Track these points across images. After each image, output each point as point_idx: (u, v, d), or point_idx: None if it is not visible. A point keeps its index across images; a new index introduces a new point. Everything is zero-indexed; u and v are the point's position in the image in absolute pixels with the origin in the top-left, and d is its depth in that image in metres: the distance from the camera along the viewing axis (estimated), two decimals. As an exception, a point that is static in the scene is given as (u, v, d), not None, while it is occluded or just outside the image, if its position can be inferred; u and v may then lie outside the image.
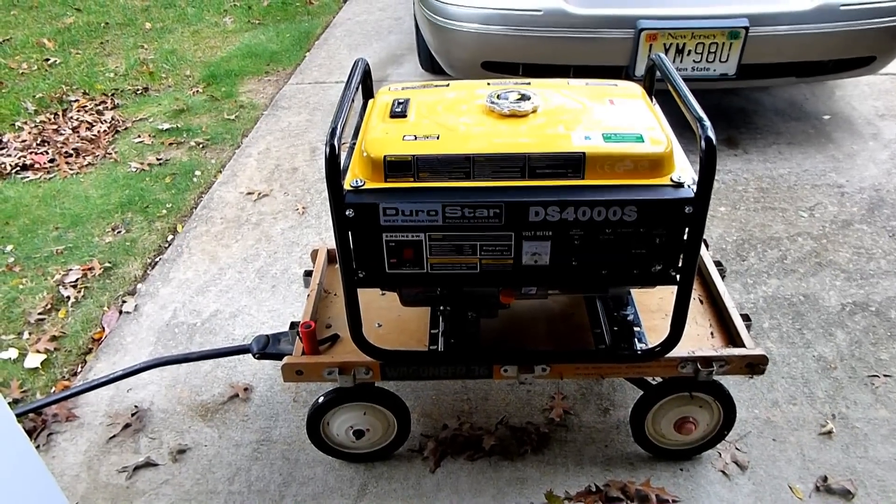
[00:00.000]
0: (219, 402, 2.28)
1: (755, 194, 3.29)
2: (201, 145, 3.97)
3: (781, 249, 2.90)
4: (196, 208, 3.37)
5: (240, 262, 2.95)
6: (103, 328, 2.61)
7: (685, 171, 1.52)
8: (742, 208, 3.18)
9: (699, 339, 1.88)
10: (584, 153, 1.48)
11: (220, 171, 3.69)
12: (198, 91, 4.70)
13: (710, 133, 1.39)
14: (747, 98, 4.26)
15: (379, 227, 1.50)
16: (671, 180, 1.49)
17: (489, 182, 1.50)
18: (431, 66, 4.50)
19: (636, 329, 1.86)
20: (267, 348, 1.99)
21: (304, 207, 3.29)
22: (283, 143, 3.96)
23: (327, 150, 1.41)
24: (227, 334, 2.55)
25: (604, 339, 1.87)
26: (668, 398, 1.89)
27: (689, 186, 1.48)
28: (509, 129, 1.58)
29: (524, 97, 1.65)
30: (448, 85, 1.82)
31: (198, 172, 3.68)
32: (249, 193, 3.45)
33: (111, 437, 2.17)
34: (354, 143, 1.66)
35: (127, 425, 2.21)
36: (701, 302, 2.02)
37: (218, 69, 4.98)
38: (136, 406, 2.27)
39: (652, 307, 1.97)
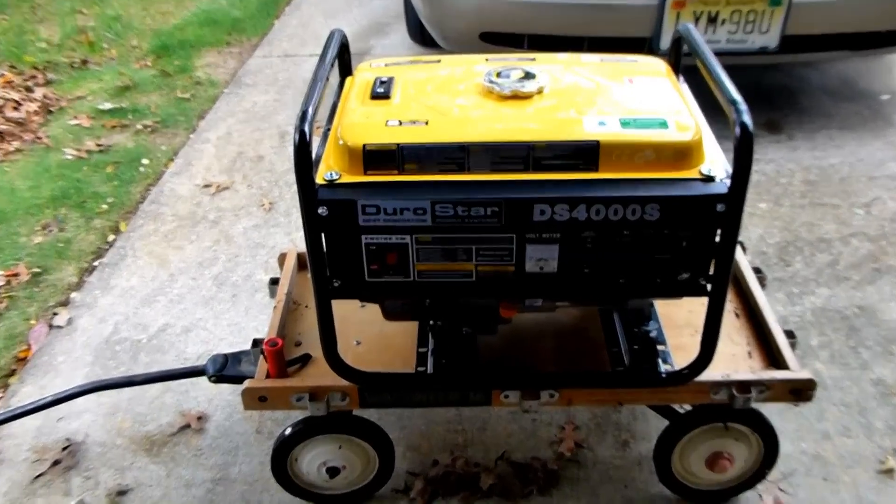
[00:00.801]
0: (167, 433, 2.27)
1: (801, 188, 3.30)
2: (150, 129, 3.96)
3: (832, 253, 2.91)
4: (143, 203, 3.36)
5: (194, 268, 2.95)
6: (30, 345, 2.60)
7: (717, 163, 1.53)
8: (786, 204, 3.19)
9: (735, 360, 1.88)
10: (598, 141, 1.48)
11: (172, 160, 3.69)
12: (146, 65, 4.70)
13: (747, 118, 1.39)
14: (792, 75, 4.28)
15: (357, 228, 1.51)
16: (700, 173, 1.49)
17: (487, 175, 1.50)
18: (422, 37, 4.50)
19: (660, 348, 1.86)
20: (225, 370, 1.98)
21: (270, 203, 3.29)
22: (247, 126, 3.96)
23: (296, 136, 1.41)
24: (179, 353, 2.54)
25: (622, 359, 1.87)
26: (699, 430, 1.89)
27: (721, 180, 1.48)
28: (511, 114, 1.58)
29: (528, 75, 1.65)
30: (440, 61, 1.82)
31: (145, 161, 3.68)
32: (206, 186, 3.45)
33: (37, 477, 2.16)
34: (329, 129, 1.66)
35: (56, 462, 2.19)
36: (737, 316, 2.02)
37: (170, 39, 4.99)
38: (67, 439, 2.26)
39: (679, 322, 1.97)
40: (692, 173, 1.50)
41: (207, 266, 2.95)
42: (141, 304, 2.77)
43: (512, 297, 1.70)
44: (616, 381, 1.82)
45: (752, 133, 1.39)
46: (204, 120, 4.05)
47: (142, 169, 3.62)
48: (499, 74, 1.66)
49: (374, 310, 1.86)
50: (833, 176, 3.39)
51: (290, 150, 1.42)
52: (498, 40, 3.47)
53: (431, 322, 1.85)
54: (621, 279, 1.59)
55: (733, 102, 1.44)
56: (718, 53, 1.63)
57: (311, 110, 1.43)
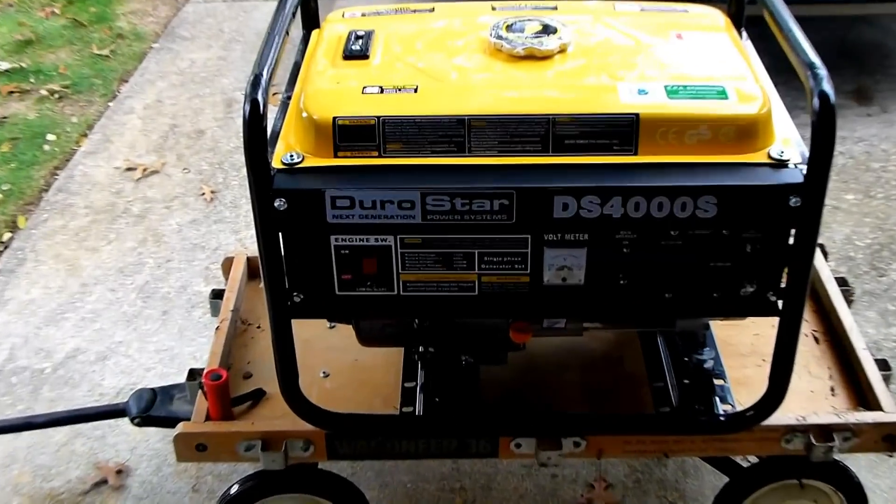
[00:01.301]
0: (77, 490, 2.27)
1: (900, 175, 3.31)
2: (57, 95, 3.96)
3: (939, 260, 2.92)
4: (47, 192, 3.36)
5: (113, 275, 2.94)
6: None
7: (790, 144, 1.53)
8: (879, 196, 3.19)
9: (813, 399, 1.88)
10: (637, 115, 1.49)
11: (86, 136, 3.69)
12: (53, 12, 4.69)
13: (827, 85, 1.39)
14: (886, 30, 4.28)
15: (325, 227, 1.51)
16: (769, 157, 1.50)
17: (493, 158, 1.50)
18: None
19: (717, 382, 1.86)
20: (152, 409, 1.98)
21: (212, 192, 3.29)
22: (183, 92, 3.95)
23: (247, 107, 1.41)
24: (93, 386, 2.54)
25: (668, 397, 1.87)
26: (767, 488, 1.88)
27: (795, 166, 1.49)
28: (525, 79, 1.58)
29: (548, 29, 1.65)
30: (433, 9, 1.82)
31: (51, 137, 3.67)
32: (130, 169, 3.45)
33: None
34: (290, 97, 1.66)
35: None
36: (816, 341, 2.02)
37: (83, -21, 4.99)
38: (-50, 497, 2.26)
39: (742, 349, 1.98)
40: (758, 157, 1.50)
41: (130, 274, 2.94)
42: (44, 323, 2.76)
43: (526, 315, 1.70)
44: (660, 426, 1.81)
45: (834, 105, 1.39)
46: (127, 84, 4.05)
47: (46, 147, 3.61)
48: (509, 28, 1.66)
49: (346, 332, 1.86)
50: (940, 159, 3.40)
51: (240, 123, 1.43)
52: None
53: (421, 349, 1.85)
54: (667, 293, 1.59)
55: (810, 66, 1.44)
56: (792, 1, 1.64)
57: (265, 74, 1.43)
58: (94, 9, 4.70)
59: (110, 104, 3.91)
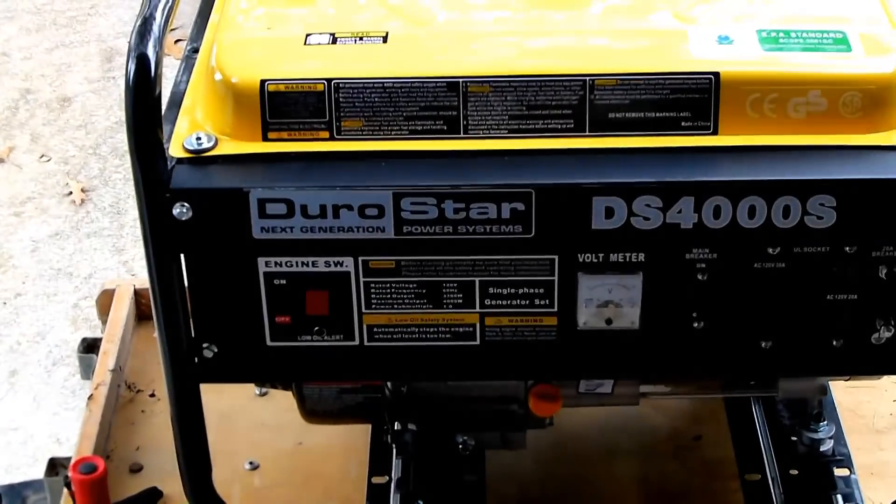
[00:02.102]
0: None
1: None
2: None
3: None
4: None
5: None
6: None
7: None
8: None
9: None
10: (716, 74, 1.49)
11: None
12: None
13: None
14: None
15: (250, 245, 1.51)
16: (917, 139, 1.51)
17: (502, 142, 1.51)
18: None
19: (839, 473, 1.87)
20: (-4, 518, 1.99)
21: (84, 190, 3.29)
22: (39, 40, 3.96)
23: (132, 67, 1.41)
24: None
25: (769, 495, 1.88)
26: None
27: (957, 152, 1.50)
28: (549, 20, 1.59)
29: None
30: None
31: None
32: (-41, 158, 3.46)
33: None
34: (197, 50, 1.67)
35: None
36: None
37: None
38: None
39: (878, 423, 1.99)
40: (897, 138, 1.52)
41: (-39, 314, 2.96)
42: None
43: (553, 375, 1.71)
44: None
45: None
46: (-45, 29, 4.08)
47: None
48: (528, -58, 1.67)
49: (284, 403, 1.87)
50: None
51: (122, 87, 1.41)
52: None
53: (397, 427, 1.86)
54: (765, 341, 1.59)
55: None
56: None
57: (158, 17, 1.43)
58: None
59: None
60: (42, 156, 3.46)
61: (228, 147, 1.50)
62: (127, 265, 3.05)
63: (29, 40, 3.98)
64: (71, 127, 3.57)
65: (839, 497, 1.84)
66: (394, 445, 1.90)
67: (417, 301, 1.56)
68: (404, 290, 1.55)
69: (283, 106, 1.49)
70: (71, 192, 3.30)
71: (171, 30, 1.47)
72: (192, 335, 1.58)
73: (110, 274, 3.01)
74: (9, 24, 4.06)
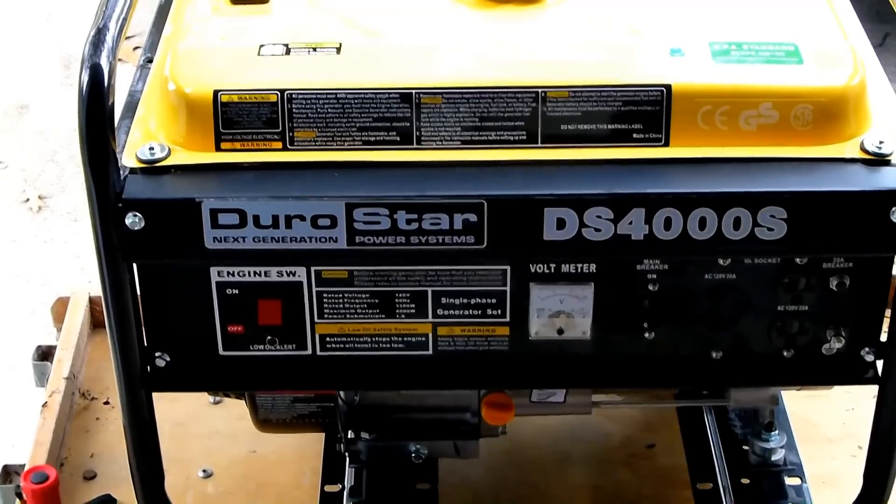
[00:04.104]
0: None
1: None
2: None
3: None
4: None
5: None
6: None
7: (893, 130, 1.54)
8: None
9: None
10: (668, 87, 1.50)
11: None
12: None
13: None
14: None
15: (203, 255, 1.51)
16: (863, 149, 1.51)
17: (455, 153, 1.51)
18: None
19: (790, 482, 1.89)
20: (-52, 527, 1.98)
21: (41, 197, 3.29)
22: (-3, 47, 3.96)
23: (85, 77, 1.40)
24: None
25: (719, 501, 1.89)
26: None
27: (902, 161, 1.51)
28: (503, 32, 1.59)
29: (538, -44, 1.67)
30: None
31: None
32: (-84, 164, 3.44)
33: None
34: (150, 60, 1.66)
35: None
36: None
37: None
38: None
39: (829, 432, 2.00)
40: (848, 150, 1.52)
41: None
42: None
43: (505, 384, 1.71)
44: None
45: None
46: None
47: None
48: (481, -45, 1.67)
49: (238, 411, 1.86)
50: None
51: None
52: None
53: (350, 435, 1.86)
54: (715, 352, 1.60)
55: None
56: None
57: (112, 26, 1.42)
58: None
59: None
60: (0, 162, 3.45)
61: (181, 157, 1.50)
62: (84, 271, 3.04)
63: (-13, 47, 3.96)
64: (28, 133, 3.56)
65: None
66: (347, 454, 1.91)
67: (370, 311, 1.56)
68: (357, 300, 1.55)
69: (235, 116, 1.49)
70: (28, 199, 3.29)
71: (129, 37, 1.47)
72: (145, 344, 1.57)
73: (67, 281, 3.00)
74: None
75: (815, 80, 1.52)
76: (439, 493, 1.90)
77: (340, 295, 1.55)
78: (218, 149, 1.51)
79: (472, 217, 1.47)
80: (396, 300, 1.56)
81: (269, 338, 1.58)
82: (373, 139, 1.50)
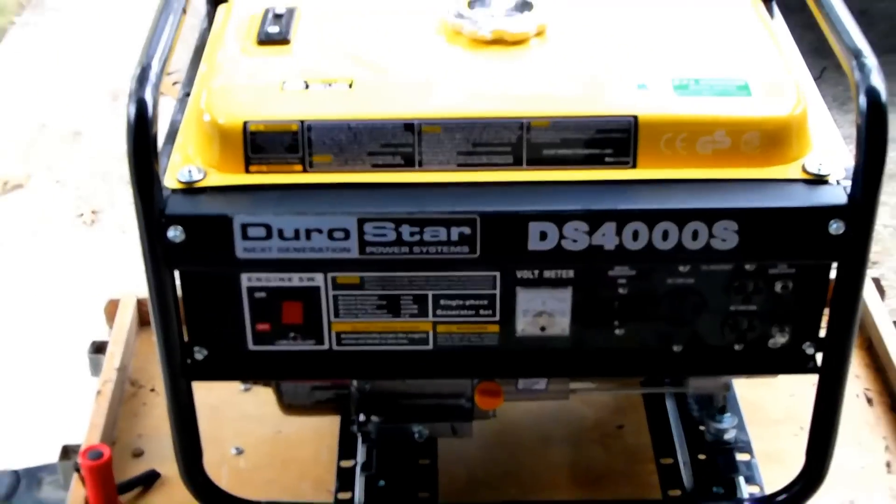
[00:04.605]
0: None
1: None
2: None
3: None
4: None
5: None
6: None
7: (831, 154, 1.55)
8: (953, 214, 3.23)
9: (865, 476, 1.91)
10: (635, 117, 1.50)
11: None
12: None
13: (877, 79, 1.41)
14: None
15: (234, 263, 1.51)
16: (804, 171, 1.52)
17: (452, 174, 1.52)
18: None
19: (741, 458, 1.89)
20: (14, 497, 1.98)
21: (94, 212, 3.28)
22: (54, 81, 3.94)
23: (132, 109, 1.41)
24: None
25: (679, 477, 1.90)
26: None
27: (838, 182, 1.51)
28: (492, 70, 1.60)
29: (523, 5, 1.67)
30: (374, -22, 1.84)
31: None
32: (-15, 183, 3.44)
33: None
34: (188, 94, 1.67)
35: None
36: (869, 402, 2.05)
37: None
38: None
39: (774, 415, 2.00)
40: (791, 171, 1.52)
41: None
42: None
43: (495, 374, 1.71)
44: (670, 515, 1.84)
45: (885, 105, 1.41)
46: (-19, 70, 4.06)
47: None
48: (473, 2, 1.67)
49: (265, 397, 1.87)
50: None
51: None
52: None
53: (361, 418, 1.86)
54: (676, 346, 1.61)
55: (856, 54, 1.45)
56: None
57: (155, 65, 1.43)
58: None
59: (-42, 97, 3.91)
60: (58, 181, 3.46)
61: (215, 179, 1.51)
62: (132, 277, 3.03)
63: (45, 80, 3.96)
64: (82, 157, 3.57)
65: (741, 479, 1.86)
66: (359, 434, 1.91)
67: (379, 311, 1.57)
68: (367, 302, 1.56)
69: (262, 143, 1.50)
70: (82, 214, 3.29)
71: (169, 73, 1.47)
72: (186, 340, 1.58)
73: (117, 284, 3.00)
74: (27, 66, 4.05)
75: (762, 111, 1.52)
76: (438, 467, 1.91)
77: (353, 297, 1.56)
78: (247, 171, 1.51)
79: (467, 230, 1.48)
80: (401, 302, 1.56)
81: (291, 335, 1.58)
82: (380, 162, 1.51)
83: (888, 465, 1.93)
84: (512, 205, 1.48)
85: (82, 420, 2.01)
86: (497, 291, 1.55)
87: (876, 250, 1.82)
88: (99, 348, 2.19)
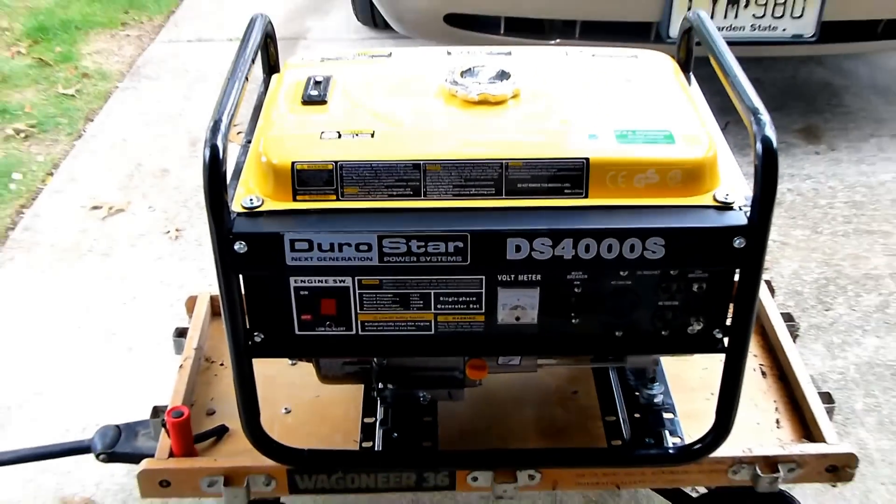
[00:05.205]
0: (43, 527, 2.25)
1: (845, 211, 3.36)
2: (23, 134, 3.95)
3: (883, 293, 2.96)
4: (13, 230, 3.34)
5: (79, 313, 2.94)
6: None
7: (735, 187, 1.57)
8: (826, 232, 3.24)
9: (759, 431, 1.91)
10: (587, 159, 1.52)
11: (51, 174, 3.68)
12: (19, 52, 4.68)
13: (770, 131, 1.43)
14: (835, 69, 4.36)
15: (284, 269, 1.52)
16: (714, 199, 1.53)
17: (448, 202, 1.53)
18: (372, 18, 4.56)
19: (667, 416, 1.89)
20: (117, 446, 1.98)
21: (178, 230, 3.29)
22: (148, 131, 3.95)
23: (207, 153, 1.42)
24: (57, 423, 2.52)
25: (620, 431, 1.90)
26: (716, 518, 1.91)
27: (740, 208, 1.52)
28: (479, 123, 1.61)
29: (502, 74, 1.69)
30: (390, 55, 1.85)
31: (17, 175, 3.66)
32: (95, 208, 3.45)
33: None
34: (250, 141, 1.68)
35: None
36: (763, 375, 2.06)
37: (50, 19, 4.98)
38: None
39: (692, 384, 2.01)
40: (704, 200, 1.54)
41: (95, 312, 2.94)
42: (6, 362, 2.75)
43: (482, 353, 1.72)
44: (612, 459, 1.84)
45: (776, 150, 1.43)
46: (92, 123, 4.05)
47: (13, 186, 3.60)
48: (464, 73, 1.69)
49: (307, 370, 1.87)
50: (884, 197, 3.45)
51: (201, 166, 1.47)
52: (468, 24, 3.51)
53: (380, 386, 1.86)
54: (618, 332, 1.62)
55: (754, 111, 1.47)
56: (745, 42, 1.67)
57: (224, 119, 1.45)
58: (59, 48, 4.69)
59: (76, 143, 3.90)
60: (150, 207, 3.47)
61: (270, 205, 1.53)
62: (206, 279, 3.04)
63: (142, 132, 3.98)
64: (169, 188, 3.58)
65: (667, 433, 1.88)
66: (378, 398, 1.93)
67: (393, 305, 1.58)
68: (385, 299, 1.57)
69: (306, 178, 1.52)
70: (169, 232, 3.30)
71: (235, 125, 1.48)
72: (247, 327, 1.60)
73: (194, 285, 3.00)
74: (127, 120, 4.07)
75: (683, 154, 1.55)
76: (438, 423, 1.91)
77: (374, 295, 1.57)
78: (294, 199, 1.53)
79: (460, 244, 1.50)
80: (410, 299, 1.57)
81: (328, 323, 1.59)
82: (395, 193, 1.53)
83: (777, 422, 1.93)
84: (494, 225, 1.51)
85: (168, 387, 2.01)
86: (483, 290, 1.57)
87: (768, 259, 1.84)
88: (181, 333, 2.20)
